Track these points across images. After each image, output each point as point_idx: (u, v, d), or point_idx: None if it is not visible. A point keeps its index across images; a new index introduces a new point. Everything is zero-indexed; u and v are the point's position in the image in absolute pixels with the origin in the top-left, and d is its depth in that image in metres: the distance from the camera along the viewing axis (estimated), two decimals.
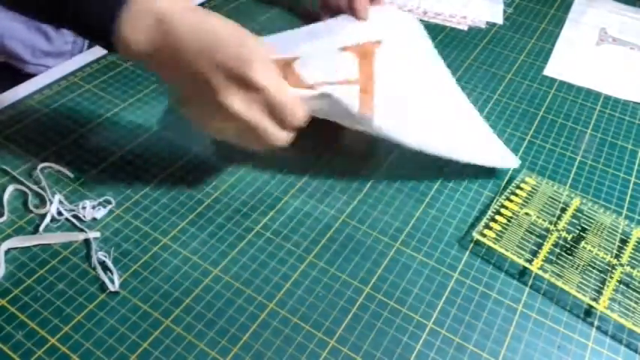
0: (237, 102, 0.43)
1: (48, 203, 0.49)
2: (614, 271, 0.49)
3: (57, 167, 0.53)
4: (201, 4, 0.79)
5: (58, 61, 0.72)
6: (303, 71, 0.51)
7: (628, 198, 0.57)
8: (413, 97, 0.59)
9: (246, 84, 0.43)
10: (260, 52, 0.44)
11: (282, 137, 0.46)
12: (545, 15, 0.88)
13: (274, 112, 0.45)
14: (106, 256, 0.46)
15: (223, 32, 0.44)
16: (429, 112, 0.58)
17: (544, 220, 0.53)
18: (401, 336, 0.44)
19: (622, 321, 0.45)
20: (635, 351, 0.44)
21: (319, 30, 0.65)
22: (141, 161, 0.55)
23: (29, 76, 0.70)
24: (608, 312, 0.46)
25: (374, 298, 0.46)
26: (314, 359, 0.41)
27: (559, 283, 0.48)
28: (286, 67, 0.51)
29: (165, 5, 0.44)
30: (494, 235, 0.51)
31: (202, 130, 0.47)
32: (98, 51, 0.68)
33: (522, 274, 0.49)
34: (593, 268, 0.50)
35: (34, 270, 0.45)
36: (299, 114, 0.46)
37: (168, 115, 0.61)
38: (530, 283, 0.48)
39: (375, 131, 0.53)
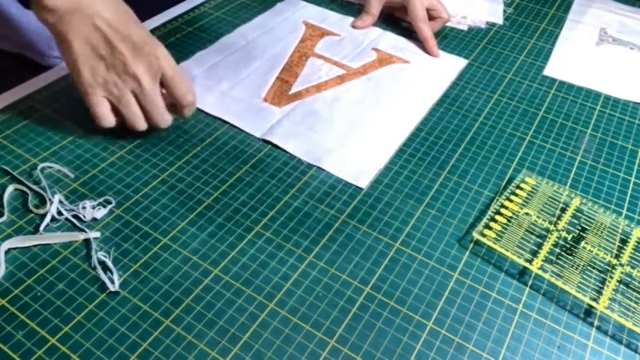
0: (141, 68, 0.52)
1: (48, 203, 0.49)
2: (614, 271, 0.49)
3: (57, 167, 0.53)
4: (202, 4, 0.79)
5: None
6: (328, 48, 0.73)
7: (628, 198, 0.57)
8: (343, 115, 0.63)
9: (150, 59, 0.52)
10: (161, 46, 0.54)
11: (167, 117, 0.56)
12: (545, 15, 0.88)
13: (169, 87, 0.54)
14: (106, 256, 0.46)
15: (137, 21, 0.54)
16: (337, 132, 0.61)
17: (544, 220, 0.53)
18: (401, 336, 0.44)
19: (622, 321, 0.45)
20: (635, 351, 0.44)
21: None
22: (141, 161, 0.55)
23: (45, 69, 0.71)
24: (608, 312, 0.46)
25: (374, 298, 0.46)
26: (314, 359, 0.42)
27: (559, 283, 0.48)
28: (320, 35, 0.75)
29: None
30: (494, 235, 0.51)
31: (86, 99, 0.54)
32: None
33: (522, 274, 0.49)
34: (593, 268, 0.50)
35: (34, 270, 0.45)
36: (189, 96, 0.55)
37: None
38: (530, 283, 0.48)
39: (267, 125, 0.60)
